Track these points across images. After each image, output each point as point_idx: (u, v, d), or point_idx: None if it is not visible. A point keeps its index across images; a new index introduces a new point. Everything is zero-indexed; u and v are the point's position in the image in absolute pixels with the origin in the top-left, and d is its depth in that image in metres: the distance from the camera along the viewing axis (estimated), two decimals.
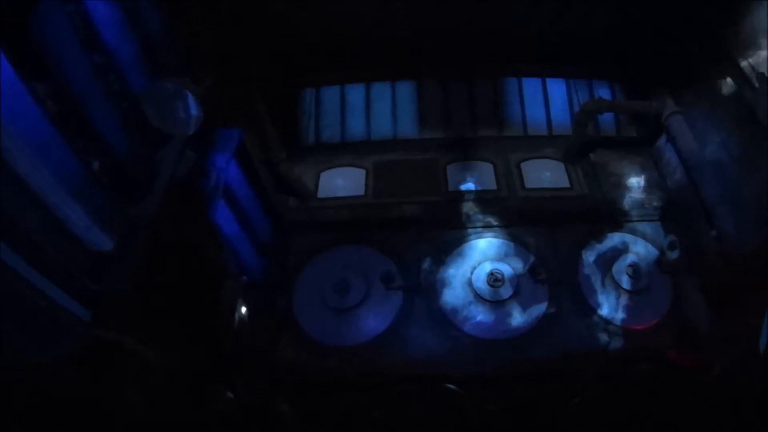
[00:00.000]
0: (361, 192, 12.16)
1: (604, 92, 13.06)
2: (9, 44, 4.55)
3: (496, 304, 10.46)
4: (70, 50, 5.81)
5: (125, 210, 6.55)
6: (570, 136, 12.58)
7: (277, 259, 11.19)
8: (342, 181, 12.43)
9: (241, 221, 10.16)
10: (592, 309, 10.40)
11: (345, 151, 12.93)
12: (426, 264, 10.98)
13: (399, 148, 12.89)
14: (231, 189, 9.65)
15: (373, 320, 10.41)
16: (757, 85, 8.81)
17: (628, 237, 11.25)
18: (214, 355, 7.83)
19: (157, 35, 7.71)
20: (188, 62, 8.32)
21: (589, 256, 10.99)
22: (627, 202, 11.61)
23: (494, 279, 10.58)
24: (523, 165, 12.47)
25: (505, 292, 10.51)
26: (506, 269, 10.75)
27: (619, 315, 10.30)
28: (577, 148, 12.43)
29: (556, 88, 13.39)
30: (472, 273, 10.79)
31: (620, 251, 10.98)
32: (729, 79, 9.53)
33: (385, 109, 13.28)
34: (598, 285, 10.64)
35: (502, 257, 11.00)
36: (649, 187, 11.90)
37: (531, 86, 13.42)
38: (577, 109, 12.39)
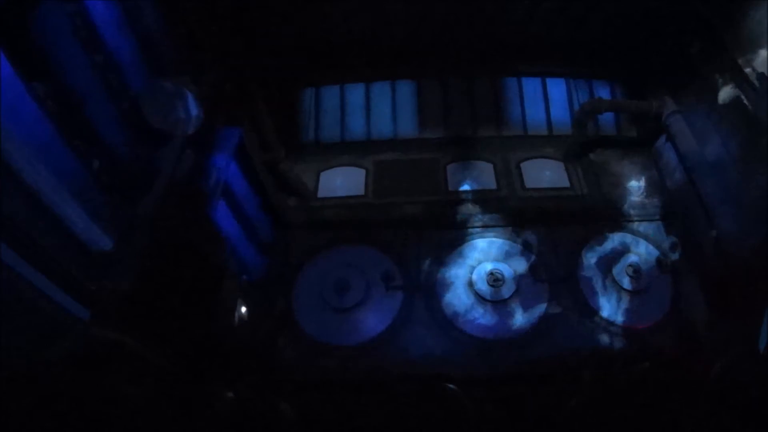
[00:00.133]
0: (361, 192, 12.15)
1: (604, 92, 13.05)
2: (9, 44, 4.55)
3: (496, 303, 10.45)
4: (69, 50, 5.82)
5: (125, 210, 6.55)
6: (570, 135, 12.59)
7: (276, 258, 11.19)
8: (342, 181, 12.42)
9: (241, 221, 10.16)
10: (592, 309, 10.39)
11: (345, 150, 12.92)
12: (426, 264, 10.98)
13: (399, 147, 12.88)
14: (231, 188, 9.65)
15: (372, 320, 10.41)
16: (757, 85, 8.81)
17: (628, 237, 11.25)
18: (215, 355, 7.83)
19: (156, 35, 7.70)
20: (188, 62, 8.31)
21: (589, 256, 10.99)
22: (627, 201, 11.61)
23: (494, 279, 10.58)
24: (523, 165, 12.46)
25: (505, 291, 10.51)
26: (506, 269, 10.75)
27: (619, 315, 10.30)
28: (577, 147, 12.43)
29: (556, 88, 13.37)
30: (472, 273, 10.79)
31: (620, 251, 10.98)
32: (729, 80, 9.53)
33: (385, 108, 13.27)
34: (598, 285, 10.63)
35: (502, 257, 11.00)
36: (648, 187, 11.89)
37: (531, 86, 13.40)
38: (577, 108, 12.40)
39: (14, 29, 4.92)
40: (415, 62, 13.02)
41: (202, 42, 8.81)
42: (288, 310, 10.55)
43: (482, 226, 11.42)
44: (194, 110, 7.52)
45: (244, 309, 9.60)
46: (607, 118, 12.89)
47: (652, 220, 11.46)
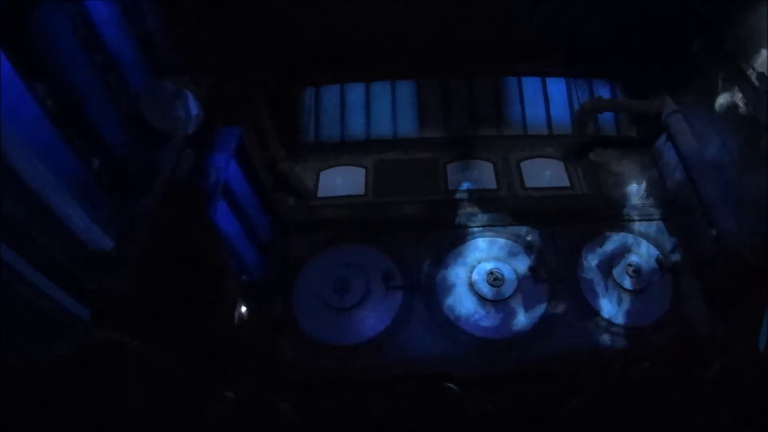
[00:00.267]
0: (361, 191, 12.15)
1: (604, 91, 13.05)
2: (9, 44, 4.55)
3: (496, 303, 10.46)
4: (69, 50, 5.81)
5: (125, 209, 6.55)
6: (570, 135, 12.59)
7: (276, 258, 11.19)
8: (342, 180, 12.42)
9: (241, 220, 10.16)
10: (591, 308, 10.40)
11: (345, 150, 12.92)
12: (426, 263, 10.98)
13: (399, 147, 12.88)
14: (231, 188, 9.65)
15: (372, 320, 10.41)
16: (757, 84, 8.81)
17: (627, 236, 11.25)
18: (214, 355, 7.82)
19: (156, 35, 7.70)
20: (188, 62, 8.31)
21: (589, 256, 10.99)
22: (627, 201, 11.62)
23: (494, 278, 10.58)
24: (523, 164, 12.46)
25: (505, 291, 10.51)
26: (506, 269, 10.75)
27: (619, 314, 10.31)
28: (577, 147, 12.43)
29: (556, 88, 13.38)
30: (472, 272, 10.79)
31: (620, 251, 10.98)
32: (729, 80, 9.53)
33: (385, 108, 13.27)
34: (598, 284, 10.64)
35: (502, 257, 11.00)
36: (648, 187, 11.90)
37: (531, 85, 13.41)
38: (577, 108, 12.40)
39: (14, 29, 4.92)
40: (415, 62, 13.01)
41: (202, 42, 8.80)
42: (288, 309, 10.55)
43: (482, 226, 11.42)
44: (194, 110, 7.53)
45: (244, 309, 9.59)
46: (607, 118, 12.89)
47: (652, 220, 11.46)
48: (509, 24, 11.64)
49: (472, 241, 11.28)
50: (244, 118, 10.20)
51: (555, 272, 10.80)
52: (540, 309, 10.36)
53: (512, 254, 11.04)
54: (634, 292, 10.48)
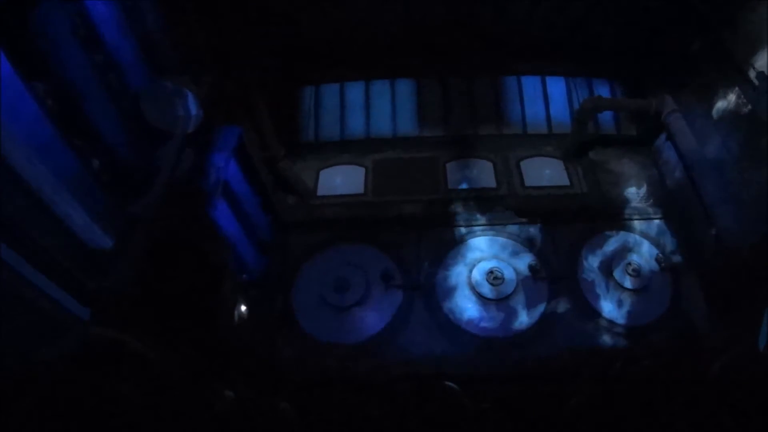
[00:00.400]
0: (361, 190, 12.16)
1: (603, 90, 13.06)
2: (9, 44, 4.55)
3: (495, 302, 10.46)
4: (69, 49, 5.81)
5: (125, 209, 6.55)
6: (570, 134, 12.59)
7: (276, 257, 11.19)
8: (341, 179, 12.43)
9: (241, 219, 10.15)
10: (591, 308, 10.40)
11: (344, 149, 12.93)
12: (425, 262, 10.99)
13: (398, 146, 12.89)
14: (230, 187, 9.64)
15: (372, 319, 10.42)
16: (757, 84, 8.81)
17: (627, 235, 11.26)
18: (214, 354, 7.82)
19: (156, 34, 7.70)
20: (188, 61, 8.30)
21: (589, 255, 10.99)
22: (626, 200, 11.62)
23: (494, 277, 10.58)
24: (522, 163, 12.47)
25: (505, 290, 10.51)
26: (506, 268, 10.75)
27: (619, 313, 10.31)
28: (577, 146, 12.43)
29: (556, 87, 13.39)
30: (471, 271, 10.79)
31: (620, 250, 10.98)
32: (729, 79, 9.54)
33: (384, 107, 13.27)
34: (597, 283, 10.64)
35: (502, 256, 11.00)
36: (648, 186, 11.91)
37: (531, 84, 13.41)
38: (576, 107, 12.40)
39: (14, 29, 4.91)
40: (414, 61, 13.01)
41: (202, 42, 8.79)
42: (288, 309, 10.55)
43: (482, 225, 11.42)
44: (194, 109, 7.53)
45: (243, 308, 9.60)
46: (606, 117, 12.91)
47: (651, 219, 11.46)
48: (509, 24, 11.65)
49: (472, 240, 11.28)
50: (244, 118, 10.20)
51: (555, 271, 10.80)
52: (540, 308, 10.37)
53: (512, 253, 11.04)
54: (634, 292, 10.49)
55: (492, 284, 10.54)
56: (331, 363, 9.92)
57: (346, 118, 13.24)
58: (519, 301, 10.44)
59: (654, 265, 10.72)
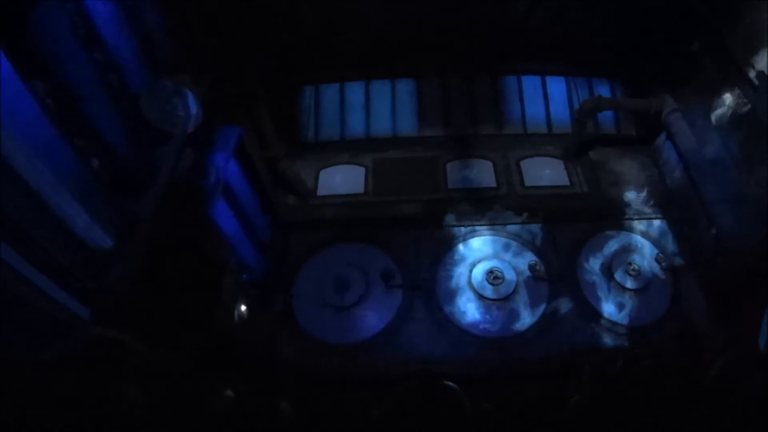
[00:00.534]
0: (361, 190, 12.16)
1: (603, 90, 13.06)
2: (9, 43, 4.54)
3: (495, 302, 10.46)
4: (69, 49, 5.80)
5: (125, 208, 6.54)
6: (570, 134, 12.59)
7: (276, 257, 11.19)
8: (341, 179, 12.43)
9: (241, 219, 10.15)
10: (591, 307, 10.40)
11: (344, 148, 12.93)
12: (426, 262, 10.99)
13: (398, 145, 12.89)
14: (230, 187, 9.64)
15: (372, 318, 10.41)
16: (757, 84, 8.81)
17: (627, 235, 11.25)
18: (214, 353, 7.83)
19: (156, 33, 7.69)
20: (188, 60, 8.30)
21: (589, 255, 10.99)
22: (626, 200, 11.62)
23: (494, 277, 10.58)
24: (522, 163, 12.47)
25: (505, 290, 10.51)
26: (506, 267, 10.75)
27: (619, 313, 10.31)
28: (577, 145, 12.43)
29: (556, 86, 13.39)
30: (471, 271, 10.79)
31: (620, 250, 10.98)
32: (729, 79, 9.53)
33: (384, 106, 13.27)
34: (598, 284, 10.64)
35: (502, 255, 11.00)
36: (648, 185, 11.91)
37: (531, 84, 13.42)
38: (576, 106, 12.40)
39: (14, 28, 4.91)
40: (414, 60, 13.01)
41: (202, 42, 8.79)
42: (288, 308, 10.55)
43: (482, 225, 11.42)
44: (194, 109, 7.53)
45: (243, 308, 9.60)
46: (606, 117, 12.91)
47: (651, 218, 11.46)
48: (509, 24, 11.64)
49: (472, 240, 11.28)
50: (244, 118, 10.20)
51: (555, 271, 10.80)
52: (540, 308, 10.37)
53: (512, 253, 11.04)
54: (634, 291, 10.48)
55: (492, 284, 10.54)
56: (331, 363, 9.92)
57: (346, 118, 13.24)
58: (519, 301, 10.44)
59: (654, 265, 10.72)
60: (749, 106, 9.07)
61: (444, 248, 11.17)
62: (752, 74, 8.92)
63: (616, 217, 11.47)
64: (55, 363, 5.05)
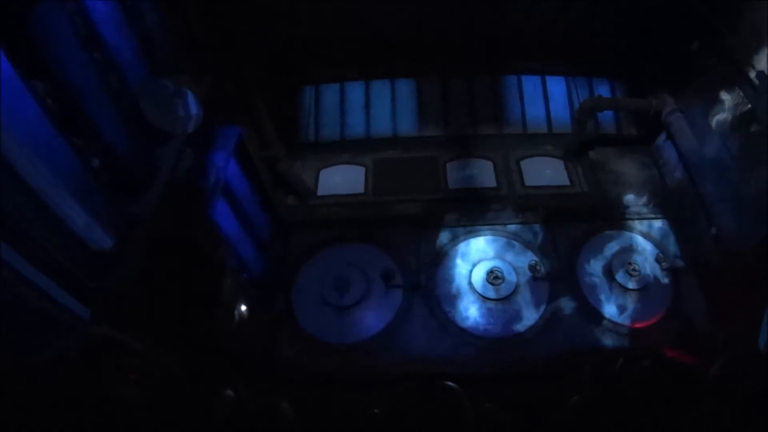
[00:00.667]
0: (361, 190, 12.15)
1: (603, 90, 13.06)
2: (9, 43, 4.54)
3: (495, 302, 10.46)
4: (69, 48, 5.80)
5: (125, 208, 6.55)
6: (570, 133, 12.59)
7: (276, 257, 11.18)
8: (341, 179, 12.43)
9: (241, 219, 10.15)
10: (591, 307, 10.39)
11: (344, 148, 12.92)
12: (426, 262, 10.98)
13: (399, 145, 12.89)
14: (230, 187, 9.64)
15: (372, 318, 10.41)
16: (757, 84, 8.81)
17: (627, 235, 11.25)
18: (214, 353, 7.83)
19: (156, 33, 7.69)
20: (188, 61, 8.30)
21: (589, 255, 10.99)
22: (626, 199, 11.61)
23: (494, 277, 10.58)
24: (522, 163, 12.47)
25: (505, 290, 10.51)
26: (506, 267, 10.75)
27: (619, 313, 10.31)
28: (577, 145, 12.43)
29: (556, 86, 13.39)
30: (471, 271, 10.79)
31: (620, 249, 10.98)
32: (729, 79, 9.53)
33: (384, 106, 13.27)
34: (598, 283, 10.64)
35: (502, 255, 11.00)
36: (648, 185, 11.90)
37: (531, 84, 13.42)
38: (576, 106, 12.39)
39: (14, 28, 4.91)
40: (414, 60, 13.01)
41: (202, 42, 8.79)
42: (288, 308, 10.55)
43: (482, 225, 11.41)
44: (194, 109, 7.53)
45: (243, 308, 9.60)
46: (606, 117, 12.91)
47: (651, 218, 11.45)
48: (509, 24, 11.64)
49: (472, 239, 11.27)
50: (244, 117, 10.20)
51: (555, 271, 10.80)
52: (540, 308, 10.37)
53: (512, 253, 11.04)
54: (634, 291, 10.48)
55: (492, 284, 10.54)
56: (331, 363, 9.92)
57: (346, 117, 13.24)
58: (519, 301, 10.44)
59: (654, 265, 10.72)
60: (749, 106, 9.06)
61: (444, 248, 11.17)
62: (752, 74, 8.92)
63: (616, 217, 11.47)
64: (55, 363, 5.04)
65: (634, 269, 10.56)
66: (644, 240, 11.18)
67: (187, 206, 7.94)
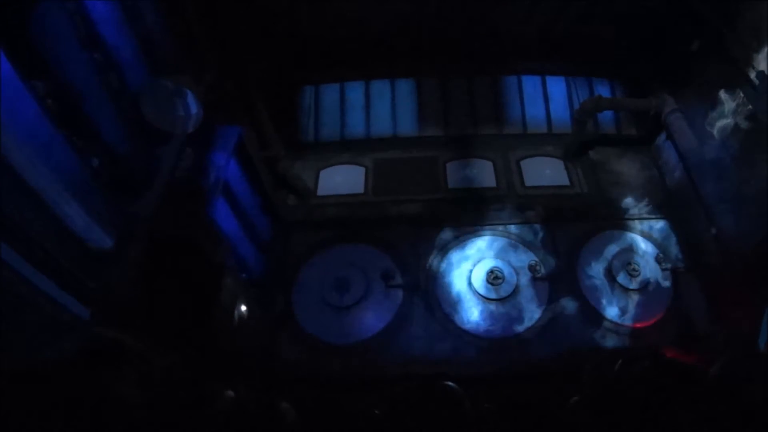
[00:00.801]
0: (361, 190, 12.16)
1: (603, 90, 13.05)
2: (8, 43, 4.54)
3: (495, 302, 10.46)
4: (69, 48, 5.80)
5: (125, 208, 6.54)
6: (570, 133, 12.58)
7: (276, 257, 11.18)
8: (341, 179, 12.42)
9: (241, 219, 10.15)
10: (591, 307, 10.39)
11: (344, 148, 12.93)
12: (426, 262, 10.98)
13: (398, 145, 12.88)
14: (230, 187, 9.64)
15: (372, 318, 10.41)
16: (757, 83, 8.80)
17: (627, 235, 11.24)
18: (214, 354, 7.82)
19: (156, 33, 7.69)
20: (188, 60, 8.30)
21: (589, 255, 10.98)
22: (626, 199, 11.60)
23: (494, 277, 10.58)
24: (522, 163, 12.47)
25: (505, 290, 10.51)
26: (506, 267, 10.75)
27: (619, 313, 10.31)
28: (577, 145, 12.43)
29: (556, 86, 13.38)
30: (471, 271, 10.78)
31: (620, 250, 10.97)
32: (729, 79, 9.53)
33: (384, 106, 13.27)
34: (598, 283, 10.64)
35: (502, 255, 10.99)
36: (648, 185, 11.90)
37: (531, 84, 13.41)
38: (576, 107, 12.39)
39: (14, 27, 4.90)
40: (414, 60, 13.00)
41: (202, 42, 8.78)
42: (288, 308, 10.55)
43: (482, 225, 11.41)
44: (194, 109, 7.53)
45: (243, 308, 9.59)
46: (606, 117, 12.90)
47: (651, 218, 11.45)
48: (509, 24, 11.64)
49: (472, 239, 11.27)
50: (244, 117, 10.19)
51: (555, 271, 10.79)
52: (540, 308, 10.36)
53: (512, 253, 11.03)
54: (634, 291, 10.48)
55: (492, 284, 10.54)
56: (331, 363, 9.92)
57: (346, 117, 13.23)
58: (519, 301, 10.44)
59: (654, 265, 10.71)
60: (749, 106, 9.06)
61: (444, 248, 11.16)
62: (752, 74, 8.91)
63: (616, 217, 11.46)
64: (55, 363, 5.04)
65: (634, 269, 10.56)
66: (644, 240, 11.17)
67: (187, 206, 7.93)
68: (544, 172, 12.39)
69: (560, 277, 10.70)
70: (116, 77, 6.83)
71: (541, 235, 11.21)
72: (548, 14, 11.37)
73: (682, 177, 11.00)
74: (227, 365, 8.04)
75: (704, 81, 10.27)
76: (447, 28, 11.83)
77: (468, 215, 11.45)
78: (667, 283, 10.54)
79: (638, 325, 10.18)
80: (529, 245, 11.12)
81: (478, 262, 10.89)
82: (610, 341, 10.03)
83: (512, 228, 11.35)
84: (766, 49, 8.64)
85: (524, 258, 10.91)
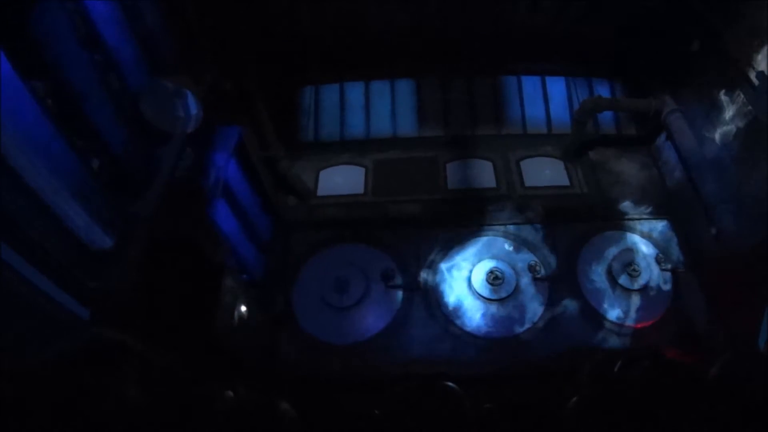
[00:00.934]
0: (361, 190, 12.15)
1: (603, 90, 13.05)
2: (8, 43, 4.54)
3: (495, 302, 10.45)
4: (69, 49, 5.80)
5: (125, 208, 6.54)
6: (569, 134, 12.57)
7: (276, 257, 11.18)
8: (341, 180, 12.42)
9: (241, 219, 10.14)
10: (591, 307, 10.39)
11: (344, 149, 12.92)
12: (425, 262, 10.97)
13: (398, 146, 12.87)
14: (230, 187, 9.63)
15: (372, 318, 10.41)
16: (757, 84, 8.80)
17: (627, 235, 11.24)
18: (214, 354, 7.81)
19: (156, 33, 7.69)
20: (188, 61, 8.29)
21: (589, 255, 10.98)
22: (626, 200, 11.60)
23: (494, 277, 10.58)
24: (522, 163, 12.46)
25: (505, 290, 10.50)
26: (506, 268, 10.74)
27: (619, 313, 10.30)
28: (577, 146, 12.42)
29: (556, 86, 13.38)
30: (471, 271, 10.78)
31: (620, 249, 10.96)
32: (729, 79, 9.53)
33: (384, 107, 13.27)
34: (597, 283, 10.63)
35: (502, 256, 10.99)
36: (648, 185, 11.89)
37: (530, 84, 13.41)
38: (576, 107, 12.38)
39: (14, 28, 4.90)
40: (414, 60, 13.00)
41: (202, 42, 8.78)
42: (288, 308, 10.54)
43: (482, 225, 11.40)
44: (194, 109, 7.53)
45: (243, 308, 9.58)
46: (606, 117, 12.90)
47: (651, 218, 11.44)
48: (509, 24, 11.64)
49: (472, 240, 11.26)
50: (244, 117, 10.19)
51: (555, 271, 10.79)
52: (540, 308, 10.36)
53: (512, 253, 11.03)
54: (634, 291, 10.47)
55: (492, 284, 10.53)
56: (331, 363, 9.91)
57: (346, 118, 13.23)
58: (519, 302, 10.44)
59: (654, 265, 10.71)
60: (749, 106, 9.06)
61: (444, 248, 11.15)
62: (752, 74, 8.91)
63: (616, 217, 11.46)
64: (55, 363, 5.04)
65: (634, 270, 10.56)
66: (644, 240, 11.17)
67: (187, 206, 7.93)
68: (544, 172, 12.39)
69: (560, 278, 10.70)
70: (116, 77, 6.83)
71: (540, 235, 11.21)
72: (548, 14, 11.36)
73: (682, 177, 11.00)
74: (227, 365, 8.04)
75: (704, 81, 10.27)
76: (447, 29, 11.83)
77: (468, 215, 11.44)
78: (667, 284, 10.54)
79: (638, 325, 10.18)
80: (529, 246, 11.12)
81: (478, 262, 10.89)
82: (610, 341, 10.02)
83: (512, 228, 11.35)
84: (766, 49, 8.64)
85: (524, 258, 10.91)
